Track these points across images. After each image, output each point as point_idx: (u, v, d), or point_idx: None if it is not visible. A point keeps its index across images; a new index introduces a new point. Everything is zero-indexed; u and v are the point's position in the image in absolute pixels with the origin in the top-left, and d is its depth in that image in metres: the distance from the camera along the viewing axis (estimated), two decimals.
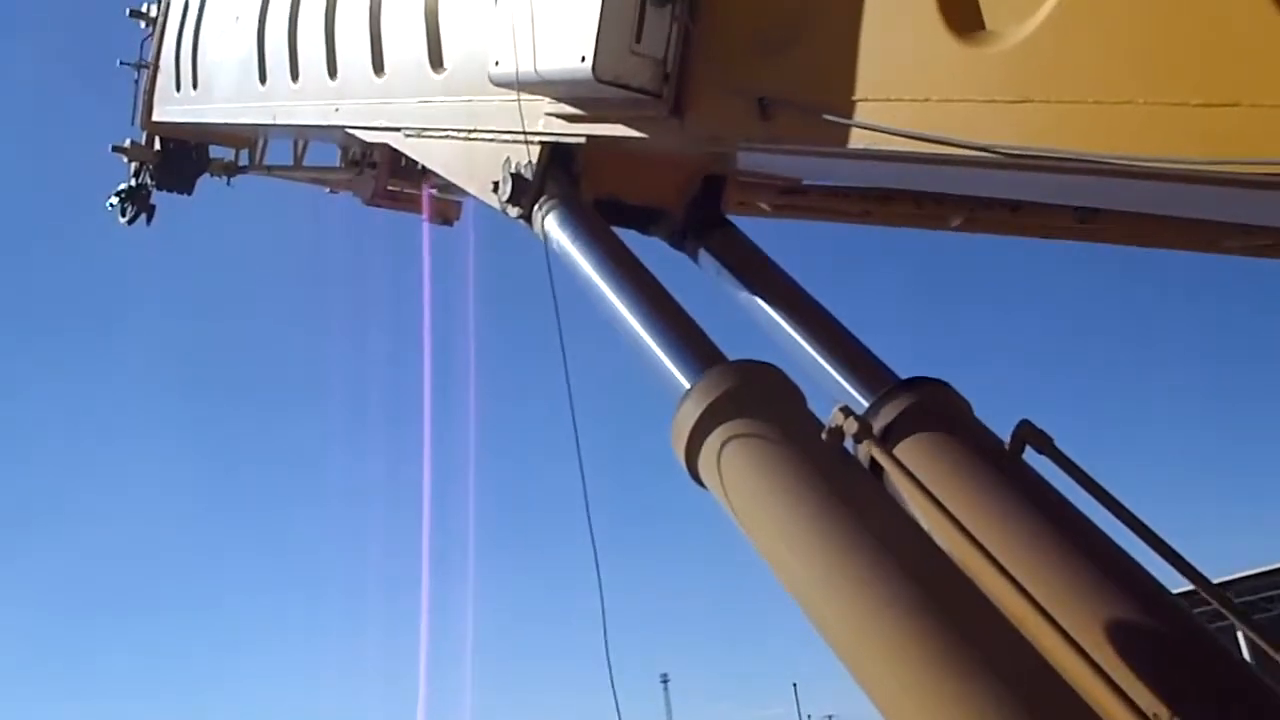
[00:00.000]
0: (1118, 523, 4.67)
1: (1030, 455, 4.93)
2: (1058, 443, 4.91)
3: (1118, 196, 4.35)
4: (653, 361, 4.97)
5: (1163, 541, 4.54)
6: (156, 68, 13.80)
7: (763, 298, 6.24)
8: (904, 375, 5.51)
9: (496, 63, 5.70)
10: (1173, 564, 4.50)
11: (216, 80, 11.66)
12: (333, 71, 8.57)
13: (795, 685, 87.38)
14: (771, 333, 6.17)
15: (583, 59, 4.88)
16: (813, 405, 4.69)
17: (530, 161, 6.00)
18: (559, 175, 6.00)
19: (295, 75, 9.34)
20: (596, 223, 5.88)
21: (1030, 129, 3.44)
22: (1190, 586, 4.59)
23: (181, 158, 14.53)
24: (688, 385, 4.64)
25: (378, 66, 7.82)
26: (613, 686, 4.97)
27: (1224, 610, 4.49)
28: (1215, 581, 4.63)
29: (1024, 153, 3.44)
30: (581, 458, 5.28)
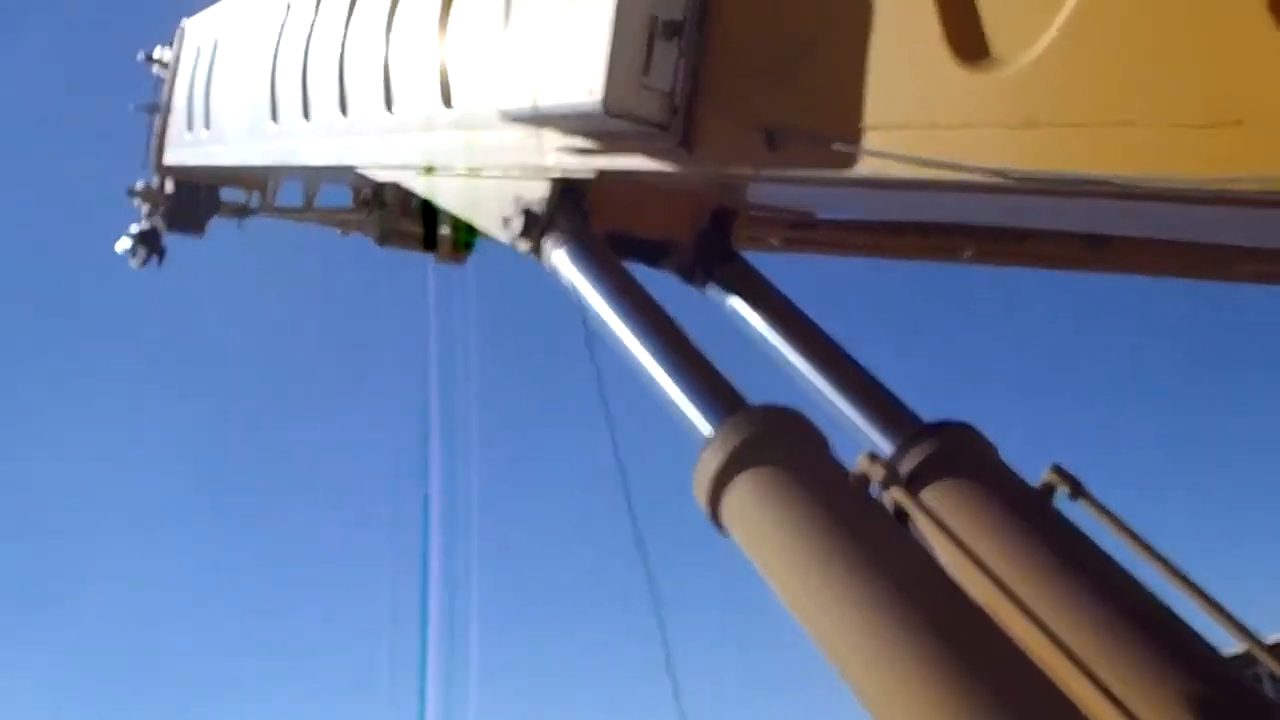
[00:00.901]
0: (1157, 573, 4.55)
1: (1063, 501, 4.87)
2: (1090, 487, 4.84)
3: (1126, 221, 4.39)
4: (671, 406, 4.94)
5: (1207, 595, 4.39)
6: (169, 110, 13.93)
7: (776, 333, 6.25)
8: (925, 415, 5.49)
9: (506, 98, 5.76)
10: (1220, 620, 4.33)
11: (228, 121, 11.77)
12: (344, 109, 8.65)
13: None
14: (785, 369, 6.18)
15: (592, 93, 4.93)
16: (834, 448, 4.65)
17: (541, 197, 6.05)
18: (569, 210, 6.04)
19: (307, 114, 9.44)
20: (607, 257, 5.92)
21: (1037, 152, 3.47)
22: (1242, 647, 4.38)
23: (193, 200, 14.63)
24: (709, 432, 4.59)
25: (388, 104, 7.89)
26: None
27: (1276, 671, 4.32)
28: (1270, 642, 4.38)
29: (1031, 176, 3.47)
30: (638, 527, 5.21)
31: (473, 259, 11.13)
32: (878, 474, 4.36)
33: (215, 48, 12.56)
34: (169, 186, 14.57)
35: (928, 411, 5.56)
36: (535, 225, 6.03)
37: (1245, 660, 4.57)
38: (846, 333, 6.19)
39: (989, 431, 5.32)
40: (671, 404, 4.94)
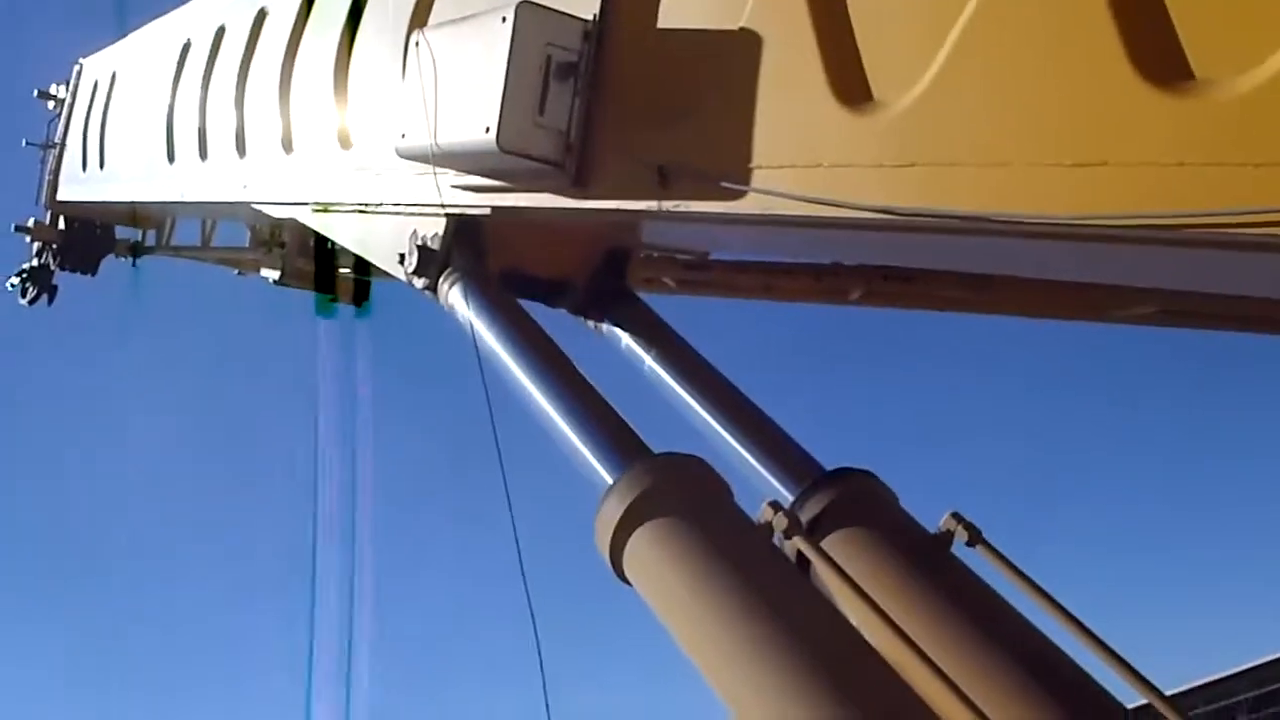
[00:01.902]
0: (1053, 619, 4.58)
1: (960, 549, 4.91)
2: (988, 534, 4.87)
3: (1005, 259, 4.51)
4: (573, 452, 4.89)
5: (1103, 643, 4.42)
6: (64, 147, 13.71)
7: (671, 375, 6.25)
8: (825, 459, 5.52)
9: (403, 135, 5.77)
10: (1116, 668, 4.36)
11: (124, 159, 11.63)
12: (242, 150, 8.60)
13: None
14: (680, 410, 6.17)
15: (487, 130, 4.96)
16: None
17: (436, 234, 6.05)
18: (465, 247, 6.04)
19: (204, 154, 9.36)
20: (502, 296, 5.92)
21: (918, 191, 3.58)
22: (1143, 701, 4.32)
23: (86, 238, 14.38)
24: (609, 479, 4.55)
25: (286, 144, 7.86)
26: None
27: (1168, 715, 4.21)
28: (1169, 693, 4.36)
29: (913, 212, 3.57)
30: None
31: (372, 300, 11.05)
32: (781, 523, 4.37)
33: (112, 86, 12.42)
34: (61, 223, 14.31)
35: (826, 458, 5.61)
36: (431, 262, 6.02)
37: (1149, 714, 4.55)
38: (745, 378, 6.23)
39: (889, 479, 5.38)
40: (572, 449, 4.90)
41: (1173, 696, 4.42)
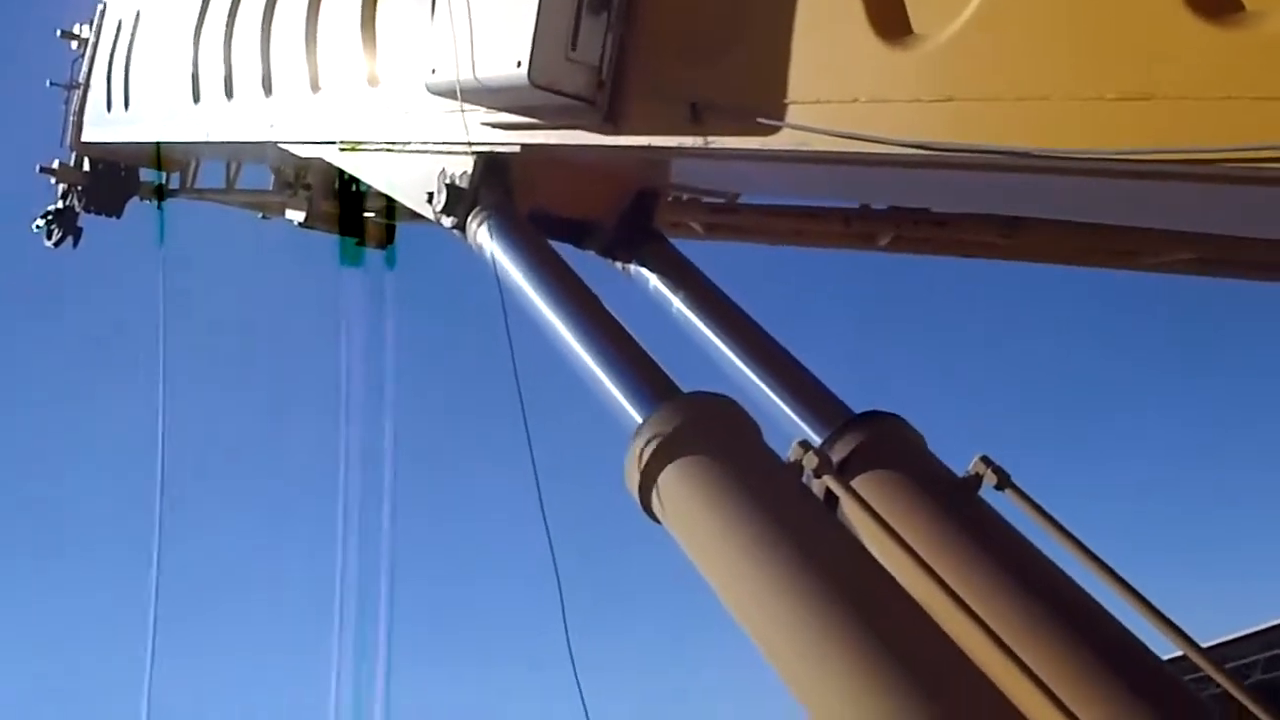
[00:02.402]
0: (1079, 562, 4.61)
1: (989, 492, 4.92)
2: (1016, 478, 4.87)
3: (1040, 198, 4.46)
4: (601, 391, 4.88)
5: (1128, 584, 4.46)
6: (87, 88, 13.67)
7: (699, 316, 6.24)
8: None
9: (433, 71, 5.73)
10: (1142, 609, 4.39)
11: (149, 100, 11.59)
12: (268, 89, 8.56)
13: None
14: (707, 351, 6.16)
15: (518, 65, 4.92)
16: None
17: (465, 172, 6.02)
18: (494, 186, 6.01)
19: (230, 93, 9.32)
20: (531, 235, 5.89)
21: (954, 126, 3.54)
22: (1176, 650, 4.41)
23: (111, 180, 14.36)
24: (639, 418, 4.54)
25: (313, 83, 7.82)
26: None
27: (1190, 654, 4.35)
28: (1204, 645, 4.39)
29: (949, 148, 3.53)
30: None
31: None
32: (811, 462, 4.36)
33: (136, 25, 12.35)
34: (86, 165, 14.30)
35: (858, 403, 5.61)
36: (459, 201, 5.99)
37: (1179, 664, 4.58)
38: (776, 323, 6.21)
39: (917, 423, 5.38)
40: (601, 389, 4.89)
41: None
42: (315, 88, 7.83)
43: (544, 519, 4.95)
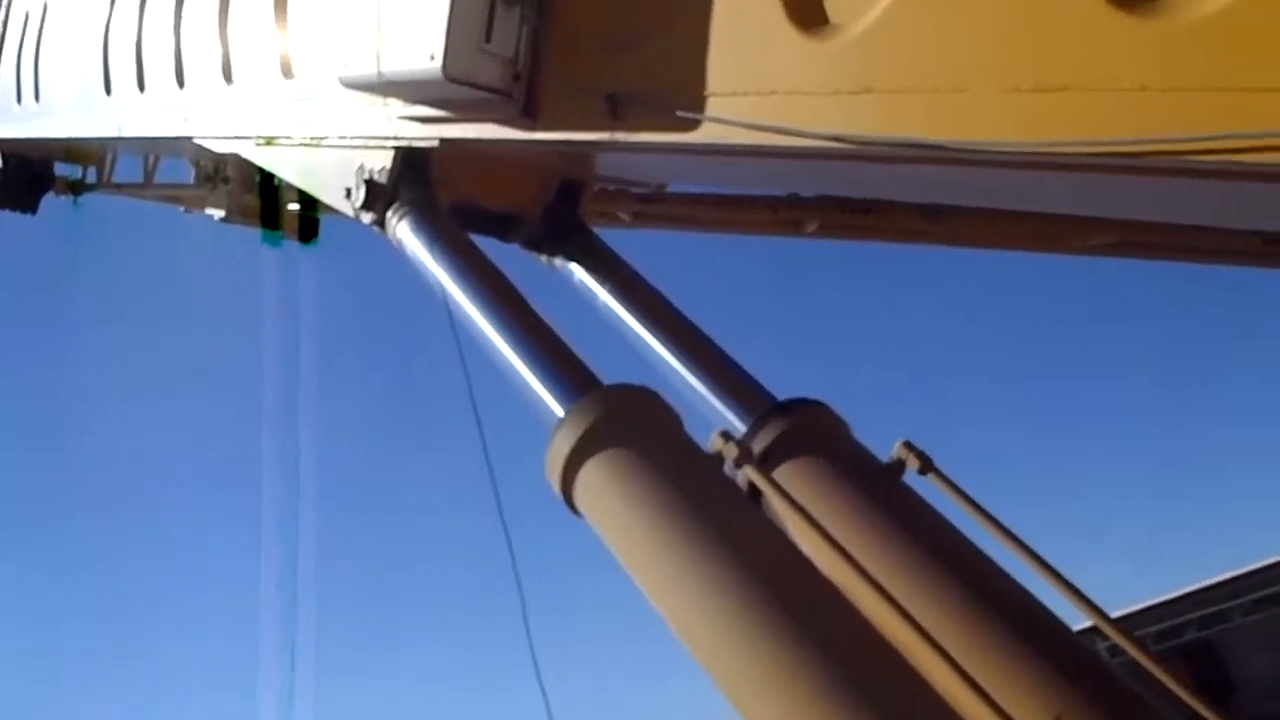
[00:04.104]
0: (1002, 545, 4.64)
1: (913, 477, 4.93)
2: (938, 462, 4.90)
3: (961, 188, 4.45)
4: (522, 385, 4.84)
5: (1051, 568, 4.51)
6: None
7: (627, 309, 6.19)
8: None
9: (346, 65, 5.60)
10: (1063, 591, 4.45)
11: (59, 92, 11.27)
12: (180, 81, 8.34)
13: None
14: (635, 344, 6.12)
15: (432, 58, 4.82)
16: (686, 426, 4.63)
17: (384, 167, 5.91)
18: (413, 180, 5.90)
19: (142, 86, 9.08)
20: (451, 229, 5.79)
21: (874, 118, 3.50)
22: (1088, 622, 4.53)
23: (24, 175, 14.00)
24: (560, 412, 4.52)
25: (226, 74, 7.63)
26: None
27: (1108, 632, 4.43)
28: (1116, 615, 4.55)
29: (868, 140, 3.49)
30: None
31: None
32: (731, 453, 4.34)
33: (44, 15, 12.01)
34: None
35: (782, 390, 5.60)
36: (378, 196, 5.87)
37: (1094, 634, 4.69)
38: (699, 310, 6.18)
39: (841, 409, 5.38)
40: (522, 383, 4.84)
41: (1122, 618, 4.51)
42: (229, 79, 7.63)
43: (500, 512, 4.97)
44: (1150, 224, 5.40)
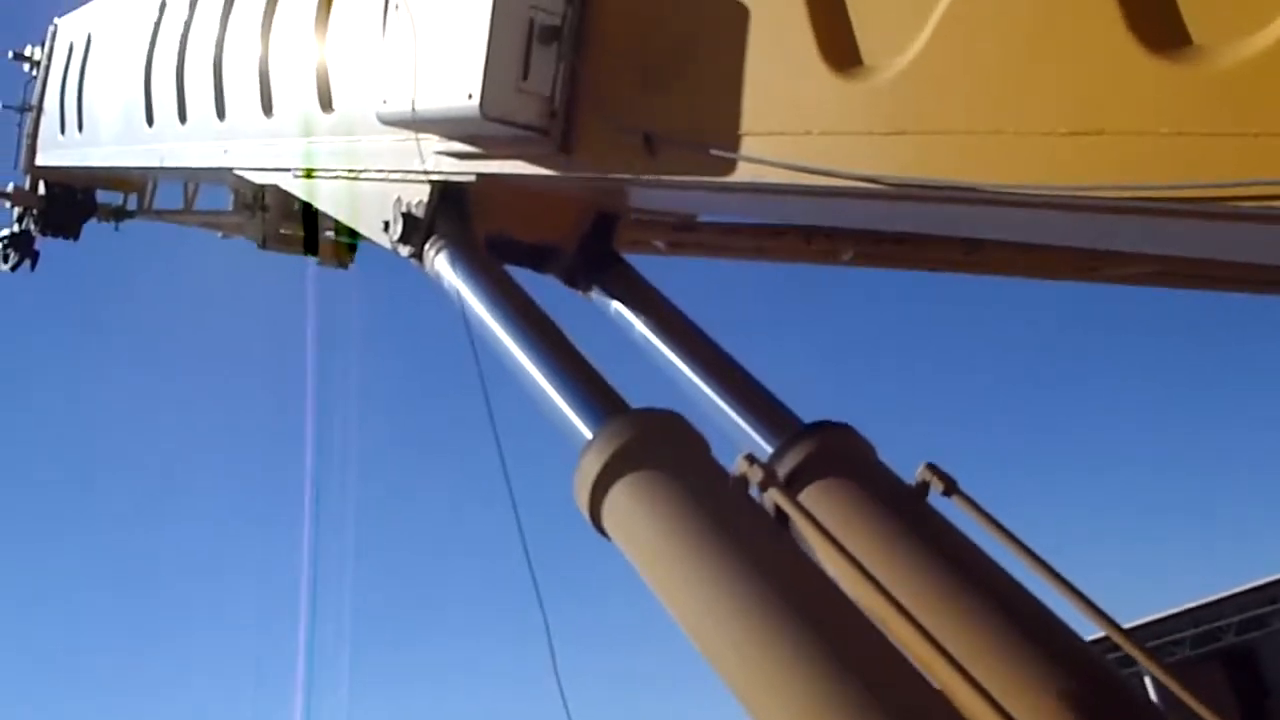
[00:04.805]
0: (1026, 567, 4.65)
1: (936, 499, 4.94)
2: (963, 485, 4.90)
3: (996, 226, 4.45)
4: (552, 410, 4.89)
5: (1071, 585, 4.52)
6: (40, 110, 13.50)
7: (659, 338, 6.23)
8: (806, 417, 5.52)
9: (385, 101, 5.67)
10: (1087, 612, 4.47)
11: (103, 122, 11.44)
12: (221, 113, 8.46)
13: None
14: (669, 373, 6.16)
15: (470, 96, 4.87)
16: (715, 450, 4.64)
17: (421, 200, 5.97)
18: (450, 213, 5.97)
19: (183, 117, 9.21)
20: (488, 262, 5.85)
21: (906, 160, 3.52)
22: (1102, 632, 4.57)
23: (67, 203, 14.21)
24: (589, 435, 4.55)
25: (266, 107, 7.74)
26: None
27: (1133, 654, 4.44)
28: (1126, 626, 4.58)
29: (902, 182, 3.50)
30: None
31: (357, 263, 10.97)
32: (756, 475, 4.35)
33: (88, 47, 12.21)
34: (41, 189, 14.14)
35: (809, 413, 5.62)
36: (415, 229, 5.94)
37: (1106, 644, 4.69)
38: (729, 336, 6.22)
39: (867, 432, 5.39)
40: (552, 408, 4.89)
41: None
42: (269, 112, 7.74)
43: (520, 533, 5.00)
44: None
